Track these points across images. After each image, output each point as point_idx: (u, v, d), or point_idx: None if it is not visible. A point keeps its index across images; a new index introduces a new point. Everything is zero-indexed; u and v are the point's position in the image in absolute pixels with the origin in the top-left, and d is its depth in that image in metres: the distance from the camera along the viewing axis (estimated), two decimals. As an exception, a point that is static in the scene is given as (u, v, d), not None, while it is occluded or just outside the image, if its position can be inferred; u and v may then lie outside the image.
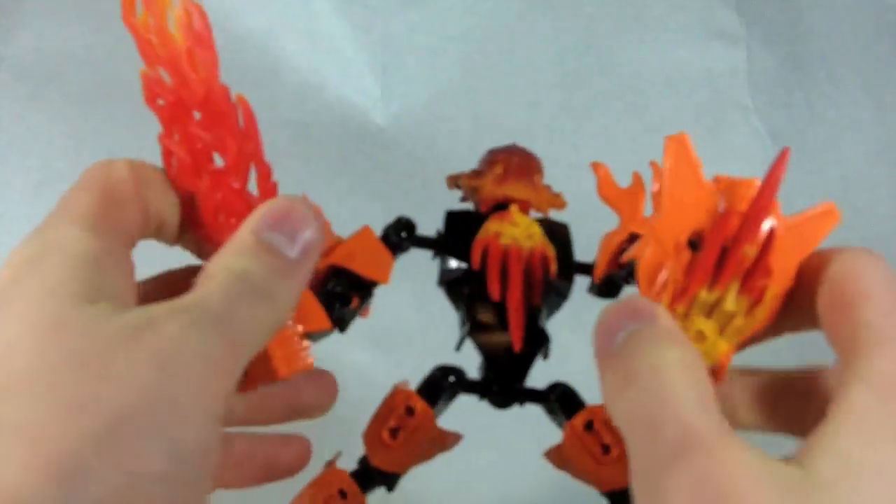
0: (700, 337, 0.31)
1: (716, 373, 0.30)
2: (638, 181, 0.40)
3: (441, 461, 0.42)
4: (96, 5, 0.78)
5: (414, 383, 0.41)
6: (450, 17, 0.82)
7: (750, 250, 0.32)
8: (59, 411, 0.24)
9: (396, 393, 0.41)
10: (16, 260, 0.29)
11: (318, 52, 0.80)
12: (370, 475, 0.40)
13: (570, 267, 0.41)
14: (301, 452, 0.41)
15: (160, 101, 0.33)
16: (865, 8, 0.86)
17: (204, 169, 0.33)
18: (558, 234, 0.42)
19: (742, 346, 0.31)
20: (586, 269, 0.42)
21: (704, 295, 0.31)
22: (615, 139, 0.82)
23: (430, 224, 0.43)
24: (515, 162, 0.42)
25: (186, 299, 0.28)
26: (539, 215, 0.42)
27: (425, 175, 0.79)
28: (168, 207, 0.34)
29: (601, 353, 0.28)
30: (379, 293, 0.42)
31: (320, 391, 0.40)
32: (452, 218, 0.42)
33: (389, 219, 0.42)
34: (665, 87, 0.85)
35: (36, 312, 0.27)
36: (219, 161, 0.34)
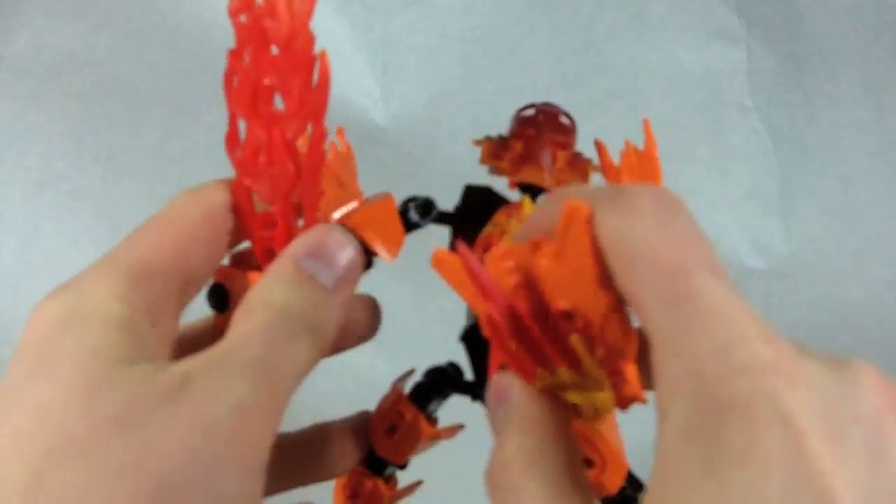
0: (575, 408, 0.28)
1: (623, 403, 0.27)
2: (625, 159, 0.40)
3: (444, 453, 0.42)
4: (96, 5, 0.78)
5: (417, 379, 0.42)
6: (449, 17, 0.82)
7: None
8: (105, 477, 0.24)
9: (391, 394, 0.41)
10: (50, 316, 0.29)
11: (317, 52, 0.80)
12: (379, 461, 0.41)
13: None
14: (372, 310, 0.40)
15: (242, 17, 0.31)
16: (865, 8, 0.86)
17: (260, 105, 0.32)
18: None
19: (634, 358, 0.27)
20: None
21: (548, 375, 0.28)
22: (615, 139, 0.82)
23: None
24: (537, 139, 0.41)
25: (223, 347, 0.27)
26: None
27: (425, 174, 0.79)
28: (225, 248, 0.33)
29: (493, 428, 0.28)
30: (379, 293, 0.42)
31: (367, 314, 0.39)
32: (470, 194, 0.42)
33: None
34: (665, 86, 0.85)
35: (78, 374, 0.26)
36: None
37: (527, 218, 0.30)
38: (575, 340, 0.26)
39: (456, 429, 0.43)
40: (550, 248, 0.25)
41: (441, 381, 0.42)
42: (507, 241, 0.39)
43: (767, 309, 0.87)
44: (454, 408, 0.43)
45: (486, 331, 0.29)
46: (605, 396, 0.27)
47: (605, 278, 0.24)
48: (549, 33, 0.84)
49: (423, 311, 0.69)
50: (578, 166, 0.40)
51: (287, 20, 0.31)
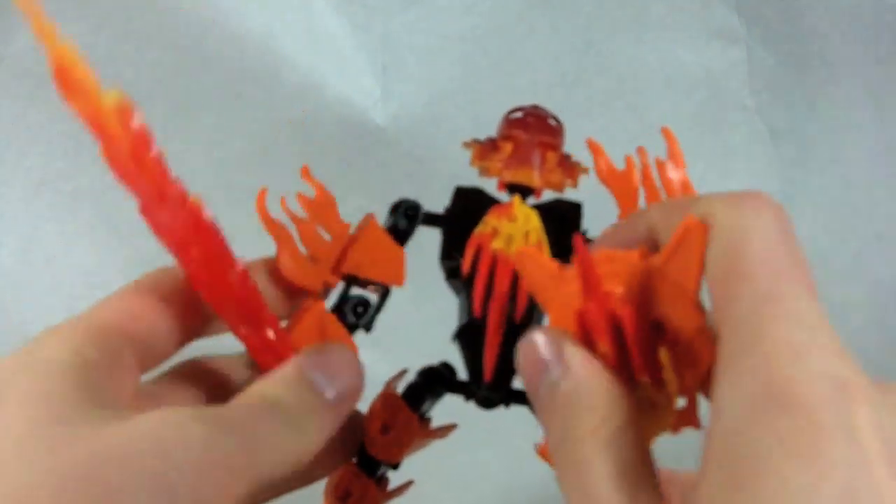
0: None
1: (678, 427, 0.28)
2: (630, 165, 0.40)
3: (439, 455, 0.43)
4: (96, 5, 0.78)
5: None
6: (449, 17, 0.82)
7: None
8: (49, 480, 0.24)
9: (383, 394, 0.42)
10: (7, 364, 0.28)
11: (317, 52, 0.80)
12: (372, 461, 0.41)
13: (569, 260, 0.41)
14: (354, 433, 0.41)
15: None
16: (866, 8, 0.86)
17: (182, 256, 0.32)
18: (565, 218, 0.41)
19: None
20: None
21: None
22: (615, 138, 0.82)
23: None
24: (526, 140, 0.41)
25: (204, 407, 0.28)
26: (554, 194, 0.42)
27: (425, 174, 0.79)
28: (198, 323, 0.34)
29: (533, 398, 0.28)
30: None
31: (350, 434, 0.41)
32: (461, 195, 0.42)
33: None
34: (665, 86, 0.85)
35: (32, 415, 0.26)
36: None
37: (624, 221, 0.31)
38: (664, 354, 0.27)
39: (449, 429, 0.43)
40: (660, 258, 0.26)
41: (434, 381, 0.42)
42: (498, 241, 0.39)
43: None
44: (447, 407, 0.43)
45: (571, 328, 0.29)
46: (665, 415, 0.28)
47: (700, 301, 0.26)
48: (548, 33, 0.84)
49: (422, 311, 0.69)
50: (568, 167, 0.41)
51: (148, 179, 0.30)
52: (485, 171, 0.42)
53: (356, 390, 0.33)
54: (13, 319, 0.74)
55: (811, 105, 0.86)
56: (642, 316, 0.27)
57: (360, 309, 0.40)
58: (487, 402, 0.41)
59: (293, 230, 0.39)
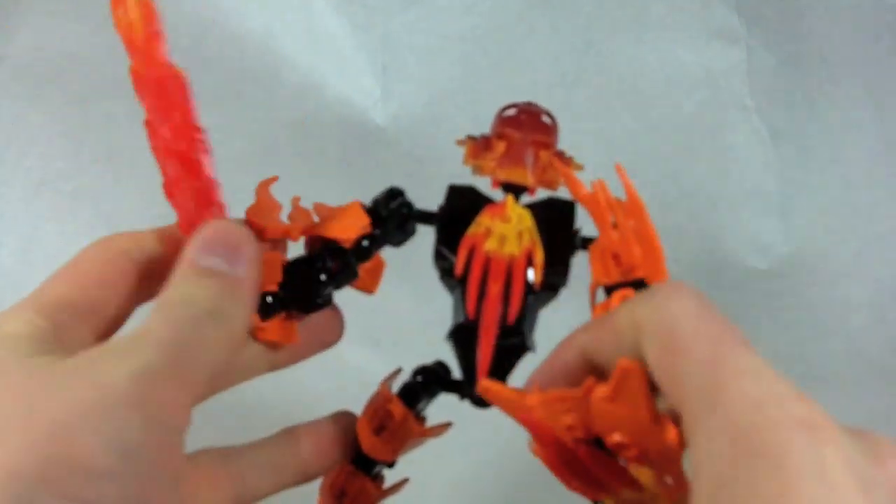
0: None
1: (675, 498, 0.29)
2: (597, 189, 0.39)
3: (434, 453, 0.43)
4: (96, 5, 0.78)
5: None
6: (449, 17, 0.82)
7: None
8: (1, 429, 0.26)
9: (379, 393, 0.42)
10: None
11: (317, 52, 0.80)
12: (368, 460, 0.42)
13: (565, 257, 0.40)
14: (334, 322, 0.42)
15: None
16: (866, 8, 0.86)
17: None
18: (558, 217, 0.41)
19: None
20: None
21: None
22: (614, 139, 0.82)
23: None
24: (520, 139, 0.41)
25: (128, 334, 0.30)
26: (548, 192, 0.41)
27: (425, 174, 0.79)
28: (145, 286, 0.36)
29: None
30: (378, 294, 0.42)
31: (331, 326, 0.42)
32: (454, 194, 0.42)
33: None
34: (664, 86, 0.85)
35: None
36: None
37: (555, 351, 0.32)
38: (637, 471, 0.28)
39: (444, 427, 0.43)
40: (604, 392, 0.27)
41: (429, 380, 0.42)
42: (492, 241, 0.39)
43: (768, 309, 0.87)
44: (442, 406, 0.43)
45: (542, 460, 0.31)
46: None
47: (660, 416, 0.26)
48: (548, 33, 0.84)
49: (421, 311, 0.69)
50: (561, 165, 0.41)
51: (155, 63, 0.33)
52: (478, 170, 0.41)
53: (255, 253, 0.33)
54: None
55: (811, 105, 0.86)
56: (600, 438, 0.29)
57: (389, 197, 0.41)
58: (481, 402, 0.41)
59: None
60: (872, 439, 0.24)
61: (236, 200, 0.78)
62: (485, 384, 0.33)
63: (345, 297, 0.41)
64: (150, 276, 0.36)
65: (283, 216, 0.41)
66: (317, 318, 0.40)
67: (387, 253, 0.43)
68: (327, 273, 0.39)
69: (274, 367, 0.40)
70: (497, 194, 0.41)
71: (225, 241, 0.33)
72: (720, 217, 0.85)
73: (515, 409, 0.31)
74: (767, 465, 0.21)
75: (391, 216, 0.41)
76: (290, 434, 0.42)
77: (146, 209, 0.84)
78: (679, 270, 0.83)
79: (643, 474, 0.29)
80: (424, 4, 0.83)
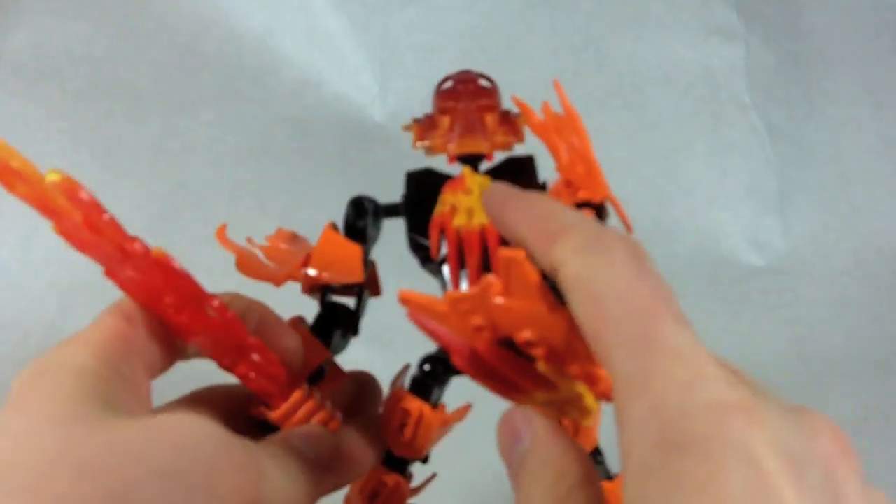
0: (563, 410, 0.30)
1: (604, 397, 0.29)
2: (547, 114, 0.38)
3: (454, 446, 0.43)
4: (95, 3, 0.78)
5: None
6: (447, 14, 0.82)
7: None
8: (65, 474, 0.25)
9: (392, 396, 0.41)
10: (29, 368, 0.29)
11: (315, 50, 0.80)
12: (399, 460, 0.42)
13: None
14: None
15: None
16: (864, 5, 0.86)
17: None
18: (520, 172, 0.40)
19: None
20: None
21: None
22: (613, 136, 0.82)
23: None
24: (462, 109, 0.40)
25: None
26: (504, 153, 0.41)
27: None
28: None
29: (507, 467, 0.28)
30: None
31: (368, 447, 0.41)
32: (412, 180, 0.42)
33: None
34: (663, 83, 0.85)
35: (48, 409, 0.27)
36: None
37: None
38: (543, 368, 0.28)
39: (465, 410, 0.43)
40: (498, 288, 0.27)
41: (435, 369, 0.42)
42: (459, 217, 0.39)
43: (766, 306, 0.87)
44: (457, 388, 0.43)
45: (460, 367, 0.30)
46: (587, 398, 0.29)
47: (557, 304, 0.26)
48: (547, 31, 0.84)
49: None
50: (510, 124, 0.40)
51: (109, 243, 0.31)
52: (430, 150, 0.41)
53: (329, 465, 0.35)
54: (13, 317, 0.74)
55: (810, 103, 0.86)
56: (508, 339, 0.28)
57: (356, 211, 0.41)
58: None
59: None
60: (806, 416, 0.23)
61: (234, 197, 0.78)
62: (404, 295, 0.31)
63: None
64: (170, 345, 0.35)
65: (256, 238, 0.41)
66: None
67: (386, 250, 0.43)
68: (354, 316, 0.41)
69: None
70: (457, 169, 0.41)
71: (321, 449, 0.35)
72: (718, 214, 0.85)
73: (432, 317, 0.31)
74: (694, 452, 0.21)
75: (365, 226, 0.41)
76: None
77: (144, 206, 0.84)
78: (677, 266, 0.84)
79: (547, 369, 0.28)
80: (423, 2, 0.83)
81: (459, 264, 0.39)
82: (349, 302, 0.42)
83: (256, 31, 0.78)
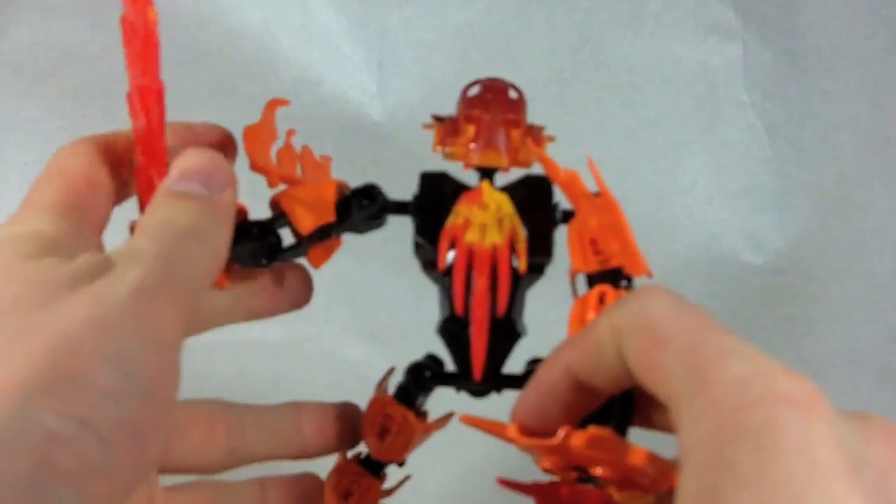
0: None
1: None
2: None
3: (434, 447, 0.43)
4: (93, 1, 0.78)
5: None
6: (446, 13, 0.82)
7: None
8: (3, 342, 0.26)
9: (375, 400, 0.41)
10: None
11: (313, 47, 0.80)
12: (376, 463, 0.42)
13: (547, 234, 0.39)
14: (306, 279, 0.43)
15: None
16: (862, 3, 0.86)
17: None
18: (537, 194, 0.40)
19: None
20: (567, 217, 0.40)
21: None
22: (611, 134, 0.82)
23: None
24: (488, 121, 0.39)
25: (120, 249, 0.30)
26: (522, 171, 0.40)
27: (421, 169, 0.79)
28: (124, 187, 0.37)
29: None
30: (376, 287, 0.42)
31: (299, 283, 0.43)
32: (427, 181, 0.41)
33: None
34: (661, 82, 0.85)
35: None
36: None
37: (541, 370, 0.33)
38: (618, 496, 0.30)
39: (447, 419, 0.43)
40: (581, 440, 0.28)
41: (422, 377, 0.42)
42: (472, 232, 0.38)
43: (764, 305, 0.87)
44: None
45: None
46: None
47: (628, 446, 0.27)
48: (545, 29, 0.83)
49: (419, 305, 0.69)
50: (533, 141, 0.39)
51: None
52: (449, 157, 0.40)
53: (230, 177, 0.34)
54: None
55: (807, 101, 0.86)
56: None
57: (366, 200, 0.41)
58: (480, 393, 0.41)
59: None
60: (865, 419, 0.23)
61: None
62: (464, 419, 0.33)
63: (344, 293, 0.41)
64: (123, 176, 0.38)
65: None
66: (292, 279, 0.42)
67: (386, 247, 0.43)
68: (272, 249, 0.40)
69: (251, 315, 0.42)
70: (468, 176, 0.40)
71: (200, 167, 0.33)
72: (716, 213, 0.85)
73: (496, 435, 0.32)
74: (750, 442, 0.21)
75: (360, 212, 0.41)
76: (294, 407, 0.43)
77: (143, 205, 0.84)
78: (675, 265, 0.84)
79: (621, 497, 0.30)
80: (421, 1, 0.82)
81: (467, 283, 0.38)
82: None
83: (254, 30, 0.78)
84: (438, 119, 0.42)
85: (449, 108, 0.42)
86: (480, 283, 0.38)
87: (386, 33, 0.82)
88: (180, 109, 0.79)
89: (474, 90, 0.41)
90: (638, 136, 0.82)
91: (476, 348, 0.39)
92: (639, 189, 0.81)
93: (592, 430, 0.27)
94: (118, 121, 0.79)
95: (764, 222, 0.86)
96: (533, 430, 0.31)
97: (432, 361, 0.42)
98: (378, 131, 0.80)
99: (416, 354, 0.43)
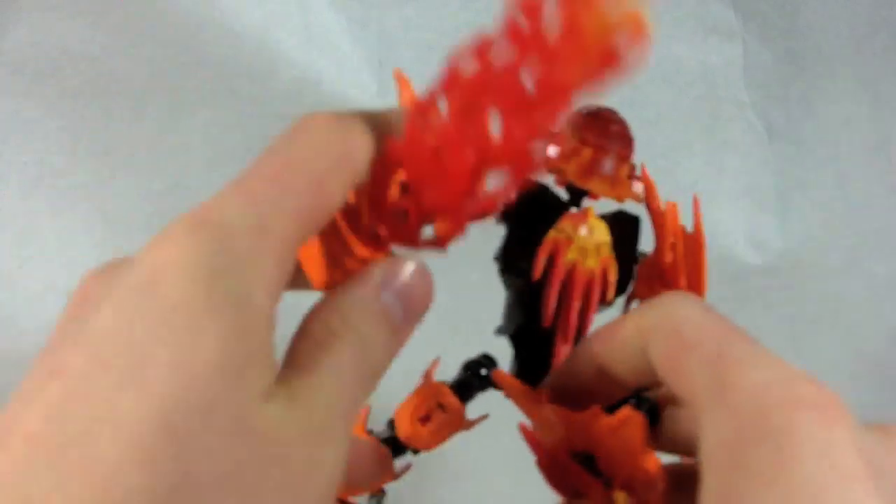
0: None
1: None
2: (672, 210, 0.40)
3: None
4: (93, 1, 0.78)
5: (420, 366, 0.42)
6: (446, 12, 0.82)
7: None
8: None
9: (430, 385, 0.42)
10: (190, 261, 0.22)
11: (314, 48, 0.80)
12: (399, 444, 0.42)
13: (629, 272, 0.40)
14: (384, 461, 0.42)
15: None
16: (862, 3, 0.86)
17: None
18: (626, 232, 0.40)
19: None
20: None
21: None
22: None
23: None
24: (606, 151, 0.40)
25: (329, 387, 0.25)
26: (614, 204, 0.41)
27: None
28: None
29: None
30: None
31: (378, 464, 0.42)
32: (525, 192, 0.40)
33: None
34: (661, 81, 0.85)
35: (222, 411, 0.21)
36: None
37: (572, 356, 0.33)
38: (619, 496, 0.30)
39: (482, 418, 0.43)
40: (608, 424, 0.29)
41: (483, 376, 0.42)
42: (572, 252, 0.38)
43: (764, 305, 0.87)
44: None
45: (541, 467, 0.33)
46: None
47: (647, 451, 0.29)
48: (545, 29, 0.83)
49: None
50: (634, 180, 0.40)
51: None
52: (561, 174, 0.39)
53: (422, 314, 0.29)
54: (10, 315, 0.74)
55: (807, 101, 0.86)
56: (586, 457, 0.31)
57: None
58: None
59: None
60: (885, 429, 0.23)
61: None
62: (500, 375, 0.34)
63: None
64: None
65: None
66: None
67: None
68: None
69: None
70: (561, 192, 0.41)
71: (411, 290, 0.28)
72: (716, 212, 0.86)
73: (527, 404, 0.33)
74: (770, 444, 0.21)
75: None
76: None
77: (142, 204, 0.84)
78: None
79: (620, 497, 0.30)
80: (421, 0, 0.83)
81: (559, 298, 0.38)
82: None
83: (254, 30, 0.78)
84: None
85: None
86: (575, 303, 0.38)
87: (386, 33, 0.82)
88: (182, 109, 0.79)
89: (598, 118, 0.41)
90: (638, 136, 0.82)
91: (559, 360, 0.39)
92: (639, 189, 0.81)
93: (626, 410, 0.28)
94: (118, 121, 0.80)
95: (763, 222, 0.86)
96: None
97: (489, 362, 0.42)
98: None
99: (419, 353, 0.43)
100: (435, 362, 0.44)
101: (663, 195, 0.43)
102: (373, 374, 0.27)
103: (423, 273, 0.28)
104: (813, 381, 0.23)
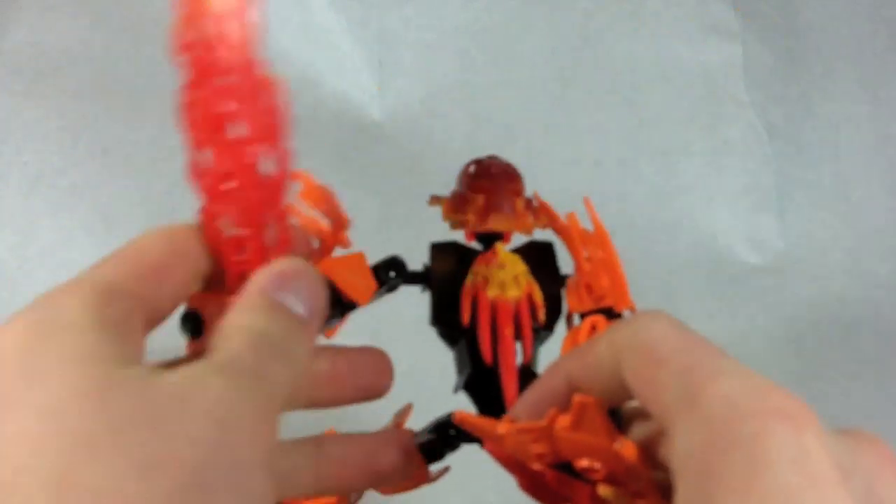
0: None
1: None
2: (571, 220, 0.41)
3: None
4: (93, 1, 0.78)
5: (412, 384, 0.42)
6: (446, 12, 0.82)
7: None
8: (134, 471, 0.24)
9: (395, 435, 0.41)
10: (21, 329, 0.28)
11: (314, 48, 0.80)
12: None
13: (556, 294, 0.42)
14: (382, 366, 0.41)
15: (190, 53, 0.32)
16: (861, 3, 0.86)
17: (220, 132, 0.32)
18: (543, 258, 0.42)
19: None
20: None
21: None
22: (610, 134, 0.82)
23: (425, 219, 0.43)
24: (496, 191, 0.42)
25: (219, 358, 0.28)
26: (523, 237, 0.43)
27: (422, 169, 0.79)
28: (193, 280, 0.33)
29: None
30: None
31: (378, 370, 0.40)
32: (438, 251, 0.43)
33: (386, 213, 0.42)
34: (661, 81, 0.85)
35: (76, 377, 0.25)
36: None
37: (543, 375, 0.34)
38: (603, 491, 0.30)
39: (443, 472, 0.43)
40: (565, 422, 0.29)
41: (449, 435, 0.42)
42: (492, 288, 0.41)
43: (763, 305, 0.87)
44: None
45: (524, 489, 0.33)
46: None
47: (619, 435, 0.28)
48: (545, 28, 0.84)
49: (421, 308, 0.69)
50: (534, 210, 0.43)
51: (241, 48, 0.32)
52: (459, 225, 0.43)
53: (323, 302, 0.32)
54: (8, 314, 0.74)
55: (807, 100, 0.86)
56: (559, 465, 0.31)
57: (393, 272, 0.41)
58: None
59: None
60: (853, 434, 0.24)
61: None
62: (459, 415, 0.34)
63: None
64: (202, 276, 0.33)
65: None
66: (362, 360, 0.40)
67: (388, 249, 0.43)
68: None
69: (312, 404, 0.39)
70: (474, 245, 0.43)
71: (299, 281, 0.31)
72: (716, 212, 0.86)
73: (487, 438, 0.33)
74: (741, 452, 0.21)
75: (386, 282, 0.42)
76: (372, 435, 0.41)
77: (142, 204, 0.84)
78: (674, 264, 0.84)
79: (605, 491, 0.30)
80: (421, 0, 0.83)
81: (493, 334, 0.40)
82: None
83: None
84: (436, 197, 0.44)
85: (449, 106, 0.42)
86: (507, 332, 0.40)
87: (386, 33, 0.82)
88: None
89: (478, 166, 0.43)
90: (638, 136, 0.82)
91: (508, 393, 0.40)
92: (638, 189, 0.82)
93: (577, 397, 0.28)
94: (118, 121, 0.80)
95: (763, 221, 0.86)
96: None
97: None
98: (378, 131, 0.80)
99: (416, 357, 0.43)
100: (405, 409, 0.44)
101: (663, 195, 0.43)
102: (276, 357, 0.29)
103: (306, 266, 0.32)
104: (782, 390, 0.23)
